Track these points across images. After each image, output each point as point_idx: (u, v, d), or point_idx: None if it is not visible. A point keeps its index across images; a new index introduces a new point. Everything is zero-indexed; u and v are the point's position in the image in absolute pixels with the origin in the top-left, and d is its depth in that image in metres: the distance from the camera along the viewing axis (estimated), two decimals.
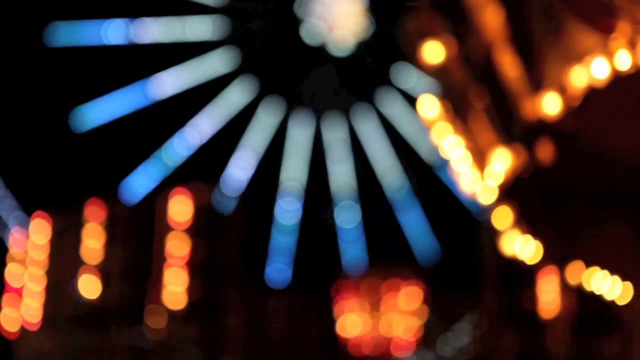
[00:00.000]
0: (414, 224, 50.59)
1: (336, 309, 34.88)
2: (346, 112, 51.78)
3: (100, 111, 48.15)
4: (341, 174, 51.36)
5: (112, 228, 28.33)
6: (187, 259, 27.47)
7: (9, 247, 31.99)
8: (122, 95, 48.87)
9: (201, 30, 50.67)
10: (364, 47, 51.37)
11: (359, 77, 51.72)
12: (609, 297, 12.73)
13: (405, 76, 51.04)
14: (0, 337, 31.53)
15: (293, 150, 51.19)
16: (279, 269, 49.17)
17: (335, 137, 51.74)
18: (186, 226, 27.84)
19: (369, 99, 51.85)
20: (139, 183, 47.18)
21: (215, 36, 50.69)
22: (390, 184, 51.51)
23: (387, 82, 51.83)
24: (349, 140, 51.66)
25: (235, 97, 50.14)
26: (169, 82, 49.08)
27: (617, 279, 12.60)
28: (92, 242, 28.61)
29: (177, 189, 28.47)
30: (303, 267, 48.59)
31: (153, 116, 48.77)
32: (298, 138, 51.24)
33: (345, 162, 51.51)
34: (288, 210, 50.21)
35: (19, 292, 30.30)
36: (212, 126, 48.88)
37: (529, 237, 11.25)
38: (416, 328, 33.55)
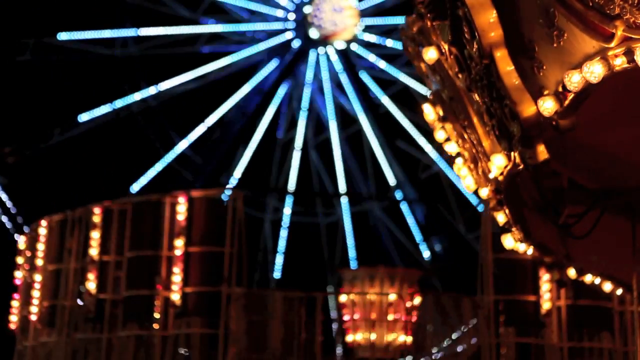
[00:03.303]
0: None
1: (338, 310, 35.07)
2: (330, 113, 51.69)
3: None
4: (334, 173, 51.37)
5: (116, 225, 28.44)
6: (192, 257, 27.66)
7: (19, 247, 32.18)
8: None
9: None
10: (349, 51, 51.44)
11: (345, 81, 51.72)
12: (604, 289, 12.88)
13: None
14: (5, 333, 31.78)
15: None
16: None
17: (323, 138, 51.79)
18: (187, 225, 28.00)
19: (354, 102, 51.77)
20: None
21: None
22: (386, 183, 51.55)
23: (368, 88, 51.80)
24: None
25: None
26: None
27: (609, 285, 12.75)
28: (97, 236, 28.77)
29: (181, 192, 28.68)
30: (300, 266, 48.76)
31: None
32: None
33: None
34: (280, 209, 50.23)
35: (27, 289, 30.49)
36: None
37: (524, 243, 11.37)
38: (416, 328, 33.61)
